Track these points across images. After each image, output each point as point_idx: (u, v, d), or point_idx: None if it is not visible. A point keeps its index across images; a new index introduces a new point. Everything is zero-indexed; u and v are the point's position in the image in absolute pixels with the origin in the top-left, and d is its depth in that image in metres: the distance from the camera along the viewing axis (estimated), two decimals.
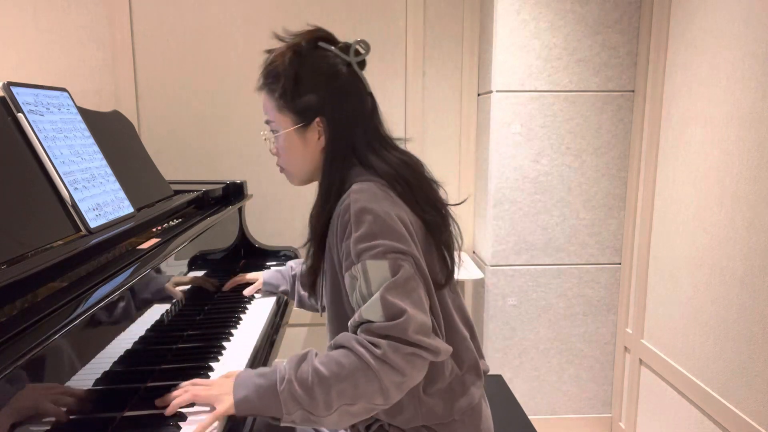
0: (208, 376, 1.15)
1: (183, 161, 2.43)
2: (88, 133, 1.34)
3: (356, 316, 0.99)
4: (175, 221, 1.53)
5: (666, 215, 1.99)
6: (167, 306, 1.28)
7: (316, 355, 1.00)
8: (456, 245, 1.14)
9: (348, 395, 0.94)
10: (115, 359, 1.01)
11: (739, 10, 1.60)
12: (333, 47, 1.10)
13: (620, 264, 2.32)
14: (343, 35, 1.15)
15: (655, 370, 2.08)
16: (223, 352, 1.29)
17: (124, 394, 1.05)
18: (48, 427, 0.81)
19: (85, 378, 0.92)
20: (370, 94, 1.14)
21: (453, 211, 1.17)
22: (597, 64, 2.18)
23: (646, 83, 2.11)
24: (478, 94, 2.45)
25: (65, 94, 1.35)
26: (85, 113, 1.39)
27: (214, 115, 2.42)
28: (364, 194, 1.01)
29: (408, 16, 2.40)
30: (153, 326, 1.18)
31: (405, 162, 1.12)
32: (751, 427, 1.54)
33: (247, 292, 1.62)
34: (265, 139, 1.19)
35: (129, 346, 1.07)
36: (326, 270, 1.12)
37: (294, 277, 1.59)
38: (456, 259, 1.14)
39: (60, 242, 1.06)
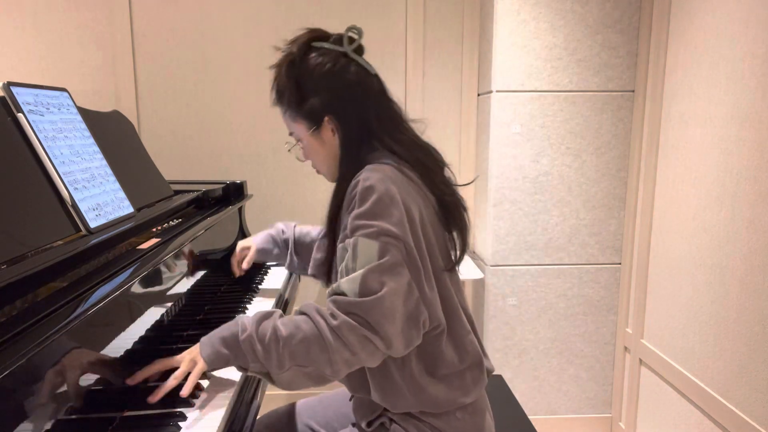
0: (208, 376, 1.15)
1: (183, 161, 2.43)
2: (88, 133, 1.34)
3: (335, 285, 1.03)
4: (175, 221, 1.53)
5: (666, 215, 1.99)
6: (167, 306, 1.28)
7: (281, 316, 1.05)
8: (467, 226, 1.18)
9: (300, 358, 0.99)
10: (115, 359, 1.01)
11: (739, 10, 1.60)
12: (325, 43, 1.12)
13: (620, 264, 2.32)
14: None
15: (655, 370, 2.08)
16: None
17: (124, 394, 1.05)
18: (48, 427, 0.81)
19: (86, 378, 0.92)
20: (376, 76, 1.15)
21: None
22: (597, 64, 2.18)
23: (646, 83, 2.11)
24: (478, 94, 2.45)
25: (65, 94, 1.35)
26: (85, 113, 1.39)
27: (214, 115, 2.42)
28: (375, 173, 1.04)
29: (408, 16, 2.40)
30: (153, 326, 1.18)
31: (419, 144, 1.16)
32: (751, 427, 1.54)
33: (245, 265, 1.60)
34: (289, 151, 1.23)
35: (129, 345, 1.07)
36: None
37: (286, 241, 1.58)
38: (467, 241, 1.17)
39: (60, 242, 1.06)
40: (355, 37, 1.13)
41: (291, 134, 1.20)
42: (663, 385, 2.03)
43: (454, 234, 1.16)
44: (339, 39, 1.13)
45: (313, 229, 1.58)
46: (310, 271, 1.50)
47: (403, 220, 1.02)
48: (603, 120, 2.22)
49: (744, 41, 1.58)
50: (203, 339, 1.08)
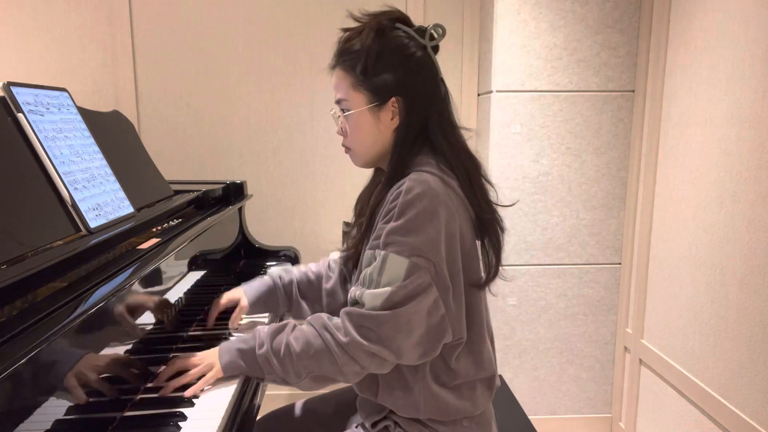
0: None
1: (183, 161, 2.42)
2: (88, 133, 1.34)
3: (357, 292, 1.04)
4: (175, 221, 1.53)
5: (666, 215, 1.99)
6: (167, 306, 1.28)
7: (293, 328, 1.08)
8: (502, 246, 1.14)
9: (313, 369, 1.04)
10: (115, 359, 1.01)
11: (739, 10, 1.60)
12: (410, 29, 1.11)
13: (620, 264, 2.32)
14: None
15: (655, 370, 2.08)
16: None
17: (124, 394, 1.05)
18: (48, 427, 0.81)
19: (86, 378, 0.91)
20: (443, 80, 1.15)
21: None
22: (597, 64, 2.18)
23: (646, 83, 2.11)
24: (478, 94, 2.45)
25: (65, 94, 1.35)
26: (85, 113, 1.39)
27: (214, 115, 2.41)
28: (420, 186, 1.01)
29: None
30: (153, 326, 1.18)
31: (468, 153, 1.13)
32: (751, 427, 1.54)
33: (232, 323, 1.36)
34: (337, 117, 1.16)
35: (129, 346, 1.07)
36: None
37: (290, 284, 1.39)
38: (501, 260, 1.13)
39: (60, 242, 1.06)
40: (437, 36, 1.12)
41: (339, 102, 1.13)
42: (663, 385, 2.03)
43: (488, 249, 1.12)
44: (422, 31, 1.11)
45: (313, 265, 1.42)
46: (325, 311, 1.34)
47: (438, 239, 1.00)
48: (603, 120, 2.22)
49: (744, 41, 1.58)
50: (223, 345, 1.12)
